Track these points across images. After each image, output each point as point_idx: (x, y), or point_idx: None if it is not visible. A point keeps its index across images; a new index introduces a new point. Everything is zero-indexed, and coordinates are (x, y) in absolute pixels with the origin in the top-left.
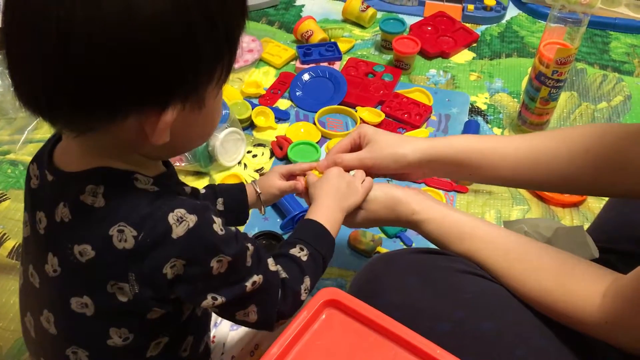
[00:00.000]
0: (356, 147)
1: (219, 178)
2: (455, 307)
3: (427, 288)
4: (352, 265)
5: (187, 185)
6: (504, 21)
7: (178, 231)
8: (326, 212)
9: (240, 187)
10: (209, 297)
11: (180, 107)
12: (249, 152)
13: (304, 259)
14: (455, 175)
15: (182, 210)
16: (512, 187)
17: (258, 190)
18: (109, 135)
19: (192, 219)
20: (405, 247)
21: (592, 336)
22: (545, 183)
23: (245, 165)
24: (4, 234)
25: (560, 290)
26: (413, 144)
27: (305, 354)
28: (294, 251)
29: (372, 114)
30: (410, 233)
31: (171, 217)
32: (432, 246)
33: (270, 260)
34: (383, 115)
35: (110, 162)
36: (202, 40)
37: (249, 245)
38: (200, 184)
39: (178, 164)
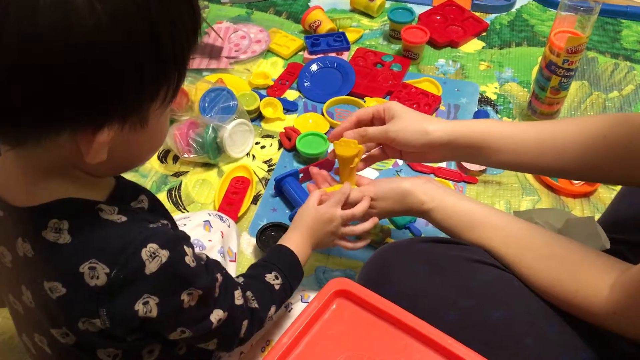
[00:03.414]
0: (378, 119)
1: (227, 169)
2: (465, 295)
3: (436, 277)
4: (361, 256)
5: (144, 192)
6: (513, 10)
7: (151, 267)
8: (303, 245)
9: None
10: (179, 330)
11: (118, 127)
12: (257, 143)
13: (277, 287)
14: (474, 158)
15: (155, 246)
16: (530, 173)
17: None
18: (44, 151)
19: (164, 254)
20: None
21: (601, 326)
22: (564, 169)
23: (253, 156)
24: None
25: (569, 279)
26: (437, 123)
27: (315, 344)
28: (269, 277)
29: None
30: (420, 224)
31: (144, 253)
32: (441, 235)
33: (237, 293)
34: None
35: (56, 183)
36: (146, 61)
37: (218, 275)
38: (209, 175)
39: (187, 156)
